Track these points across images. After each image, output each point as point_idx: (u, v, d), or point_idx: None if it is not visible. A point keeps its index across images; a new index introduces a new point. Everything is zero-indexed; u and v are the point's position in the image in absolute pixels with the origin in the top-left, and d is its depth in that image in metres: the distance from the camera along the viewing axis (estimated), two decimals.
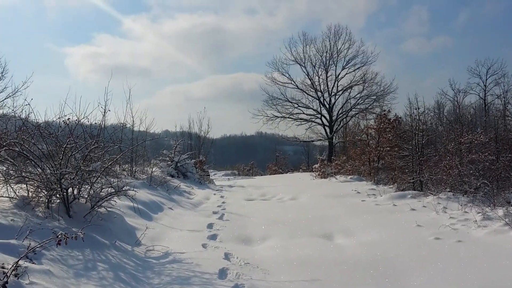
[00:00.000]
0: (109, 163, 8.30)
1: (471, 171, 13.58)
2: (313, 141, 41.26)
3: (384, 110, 25.20)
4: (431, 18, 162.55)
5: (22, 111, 15.36)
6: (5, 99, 19.16)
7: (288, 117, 39.45)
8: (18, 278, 4.57)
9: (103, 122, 9.18)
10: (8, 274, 4.28)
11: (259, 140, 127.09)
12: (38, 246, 4.64)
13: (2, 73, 19.96)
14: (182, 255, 7.17)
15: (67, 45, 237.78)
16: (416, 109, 24.88)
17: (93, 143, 8.00)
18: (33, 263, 5.19)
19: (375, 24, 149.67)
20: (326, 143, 41.48)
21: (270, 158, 60.37)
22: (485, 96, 38.70)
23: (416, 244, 7.64)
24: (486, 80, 37.67)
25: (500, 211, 9.05)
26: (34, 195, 7.61)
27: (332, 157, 31.46)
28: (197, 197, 16.30)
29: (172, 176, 19.85)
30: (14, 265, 4.39)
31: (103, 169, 7.90)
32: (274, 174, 41.37)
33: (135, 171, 16.08)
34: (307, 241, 8.45)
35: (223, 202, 15.03)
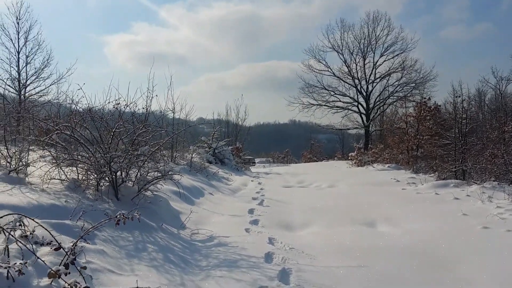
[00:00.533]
0: (156, 147, 8.46)
1: None
2: (349, 129, 40.96)
3: (424, 98, 24.72)
4: (472, 5, 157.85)
5: (66, 97, 15.84)
6: (50, 85, 19.74)
7: (324, 105, 39.25)
8: (76, 257, 4.74)
9: (149, 107, 9.30)
10: (70, 253, 4.44)
11: (292, 128, 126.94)
12: (96, 225, 4.79)
13: (48, 60, 20.58)
14: (227, 239, 7.27)
15: (106, 34, 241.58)
16: (457, 96, 24.53)
17: (140, 127, 8.16)
18: (87, 243, 5.37)
19: (414, 11, 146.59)
20: (361, 131, 41.17)
21: (303, 146, 60.27)
22: None
23: (464, 233, 7.52)
24: None
25: None
26: (84, 177, 7.85)
27: (369, 146, 31.09)
28: (235, 183, 16.46)
29: (210, 162, 20.07)
30: (74, 244, 4.55)
31: (150, 153, 8.06)
32: (309, 162, 41.35)
33: (175, 157, 16.32)
34: (349, 229, 8.43)
35: (262, 189, 15.13)
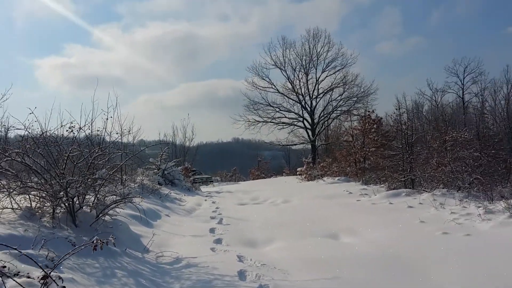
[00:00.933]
0: (114, 170, 8.18)
1: (463, 167, 13.82)
2: (295, 144, 41.33)
3: (369, 111, 25.45)
4: (404, 20, 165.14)
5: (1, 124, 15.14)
6: None
7: (270, 121, 39.49)
8: (47, 287, 4.47)
9: (105, 130, 9.01)
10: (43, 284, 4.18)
11: (236, 146, 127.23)
12: (72, 252, 4.56)
13: None
14: (195, 260, 7.09)
15: (37, 57, 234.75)
16: (397, 109, 25.38)
17: (97, 150, 7.87)
18: (55, 272, 5.08)
19: (349, 27, 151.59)
20: (306, 146, 41.79)
21: (248, 163, 60.41)
22: (463, 94, 39.42)
23: (426, 240, 7.72)
24: (464, 78, 38.38)
25: (501, 205, 9.21)
26: (39, 205, 7.48)
27: (317, 160, 31.56)
28: (188, 204, 16.20)
29: (160, 184, 19.67)
30: (45, 276, 4.29)
31: (108, 176, 7.78)
32: (257, 178, 41.42)
33: (125, 180, 15.89)
34: (313, 242, 8.46)
35: (217, 208, 14.97)
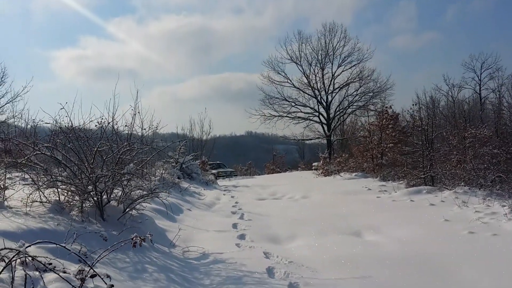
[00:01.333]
0: (141, 165, 8.26)
1: (484, 165, 13.70)
2: (311, 139, 41.34)
3: (386, 106, 25.29)
4: (419, 14, 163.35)
5: (21, 116, 15.29)
6: (5, 104, 18.97)
7: (286, 116, 39.54)
8: (84, 282, 4.55)
9: (132, 125, 9.08)
10: (80, 279, 4.26)
11: (249, 139, 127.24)
12: (111, 249, 4.62)
13: (2, 78, 19.82)
14: (221, 256, 7.15)
15: (53, 49, 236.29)
16: (414, 104, 25.19)
17: (125, 145, 7.95)
18: (89, 267, 5.16)
19: (363, 21, 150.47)
20: (320, 141, 41.76)
21: (262, 157, 60.42)
22: (480, 90, 38.97)
23: (452, 239, 7.68)
24: (481, 74, 37.93)
25: None
26: (68, 199, 7.58)
27: (334, 155, 31.49)
28: (208, 198, 16.28)
29: (178, 178, 19.76)
30: (85, 272, 4.36)
31: (136, 171, 7.86)
32: (272, 173, 41.42)
33: (146, 174, 15.99)
34: (337, 239, 8.47)
35: (236, 202, 15.03)
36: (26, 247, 3.84)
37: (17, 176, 9.06)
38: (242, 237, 8.95)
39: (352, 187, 17.44)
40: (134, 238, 4.47)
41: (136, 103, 14.52)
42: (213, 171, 31.26)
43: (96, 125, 8.04)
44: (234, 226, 10.17)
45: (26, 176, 9.55)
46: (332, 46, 38.38)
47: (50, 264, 4.59)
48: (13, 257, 3.56)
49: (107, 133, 8.40)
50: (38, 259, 4.57)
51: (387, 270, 6.21)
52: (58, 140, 7.36)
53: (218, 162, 35.85)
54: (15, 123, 15.56)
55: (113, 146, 7.93)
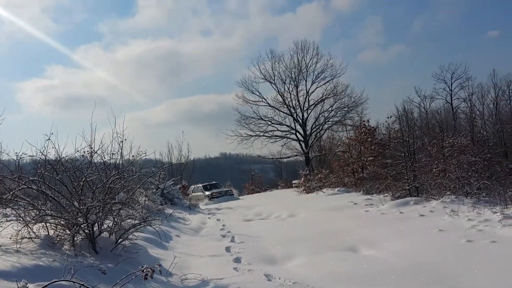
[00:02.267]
0: (132, 193, 8.07)
1: (469, 173, 13.86)
2: (289, 157, 41.32)
3: (363, 120, 25.52)
4: (385, 28, 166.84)
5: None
6: None
7: (263, 135, 39.45)
8: None
9: (121, 153, 8.88)
10: None
11: (224, 161, 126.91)
12: (122, 282, 4.42)
13: None
14: (222, 281, 6.97)
15: (18, 80, 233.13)
16: (389, 117, 25.49)
17: (114, 174, 7.75)
18: None
19: (331, 37, 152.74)
20: (297, 158, 41.82)
21: (238, 178, 60.10)
22: (451, 100, 39.60)
23: (451, 249, 7.66)
24: (452, 84, 38.64)
25: None
26: (58, 233, 7.33)
27: (314, 171, 31.51)
28: (193, 223, 16.03)
29: (161, 204, 19.43)
30: None
31: (126, 199, 7.66)
32: (252, 193, 41.18)
33: (136, 202, 15.67)
34: (334, 256, 8.37)
35: (223, 225, 14.82)
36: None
37: (1, 213, 8.76)
38: (238, 260, 8.77)
39: (337, 203, 17.40)
40: (144, 270, 4.27)
41: (114, 130, 14.32)
42: (207, 193, 30.92)
43: (83, 155, 7.81)
44: (227, 249, 9.98)
45: (8, 211, 9.26)
46: (305, 63, 38.68)
47: None
48: None
49: (94, 162, 8.18)
50: None
51: (392, 284, 6.14)
52: (45, 173, 7.11)
53: (213, 182, 34.87)
54: None
55: (101, 175, 7.71)
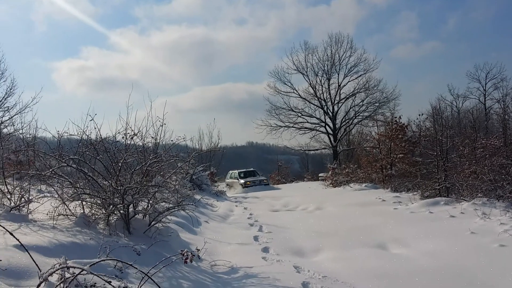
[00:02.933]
0: (168, 176, 8.21)
1: (502, 176, 13.59)
2: (317, 149, 41.27)
3: (395, 117, 25.22)
4: (420, 24, 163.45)
5: (30, 127, 15.20)
6: (15, 115, 18.87)
7: (292, 126, 39.49)
8: None
9: (160, 135, 9.02)
10: None
11: (250, 150, 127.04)
12: (163, 265, 4.50)
13: (11, 89, 19.76)
14: (252, 270, 7.04)
15: (54, 59, 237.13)
16: (420, 114, 25.13)
17: (152, 157, 7.89)
18: (128, 283, 5.07)
19: (365, 31, 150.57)
20: (323, 151, 41.76)
21: (264, 167, 60.08)
22: (485, 100, 38.91)
23: (483, 253, 7.55)
24: (486, 84, 37.90)
25: None
26: (94, 212, 7.50)
27: (342, 166, 31.37)
28: (221, 209, 16.18)
29: (189, 189, 19.66)
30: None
31: (164, 182, 7.79)
32: (278, 183, 41.22)
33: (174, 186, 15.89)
34: (363, 252, 8.34)
35: (251, 214, 14.92)
36: (90, 266, 3.72)
37: (39, 189, 9.01)
38: (266, 250, 8.84)
39: (365, 199, 17.28)
40: (185, 253, 4.36)
41: (149, 113, 14.50)
42: (241, 181, 30.33)
43: (123, 137, 7.96)
44: (255, 238, 10.06)
45: (44, 188, 9.51)
46: (339, 56, 38.50)
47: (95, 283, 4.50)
48: (77, 274, 3.46)
49: (133, 144, 8.33)
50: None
51: (424, 284, 6.10)
52: (87, 152, 7.28)
53: (250, 169, 34.27)
54: (28, 134, 15.43)
55: (140, 158, 7.86)
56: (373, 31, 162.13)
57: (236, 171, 32.67)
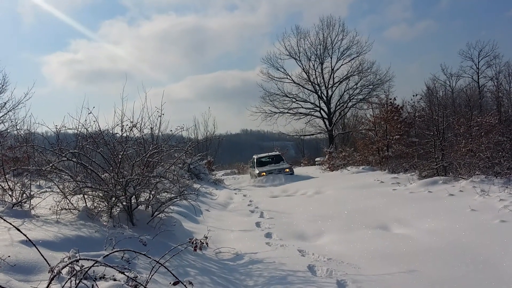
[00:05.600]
0: (169, 166, 8.22)
1: (499, 153, 13.67)
2: (312, 134, 41.29)
3: (390, 98, 25.24)
4: (414, 3, 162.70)
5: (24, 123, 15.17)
6: (8, 112, 18.74)
7: (287, 112, 39.45)
8: None
9: (159, 127, 9.02)
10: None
11: (245, 137, 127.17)
12: (172, 255, 4.54)
13: (2, 85, 19.63)
14: (257, 255, 7.09)
15: (43, 53, 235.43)
16: (414, 95, 25.16)
17: (152, 148, 7.88)
18: (137, 273, 5.08)
19: (359, 13, 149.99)
20: (318, 136, 41.87)
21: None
22: (478, 78, 39.03)
23: (485, 229, 7.62)
24: (479, 62, 37.97)
25: None
26: (97, 205, 7.50)
27: (338, 149, 31.44)
28: (220, 198, 16.22)
29: (187, 179, 19.68)
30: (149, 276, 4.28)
31: (165, 173, 7.80)
32: None
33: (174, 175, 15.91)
34: (366, 234, 8.40)
35: (251, 201, 14.98)
36: (104, 257, 3.73)
37: (38, 185, 8.99)
38: (269, 235, 8.90)
39: (363, 181, 17.37)
40: (194, 242, 4.38)
41: (144, 104, 14.45)
42: (256, 171, 24.76)
43: (122, 129, 7.94)
44: (257, 224, 10.11)
45: (43, 183, 9.49)
46: (331, 40, 38.40)
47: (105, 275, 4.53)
48: (91, 266, 3.48)
49: (132, 136, 8.32)
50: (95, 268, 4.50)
51: (429, 263, 6.15)
52: (87, 146, 7.26)
53: (274, 153, 28.63)
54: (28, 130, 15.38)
55: (140, 149, 7.86)
56: (366, 12, 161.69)
57: (255, 156, 27.47)
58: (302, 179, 22.23)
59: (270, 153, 28.55)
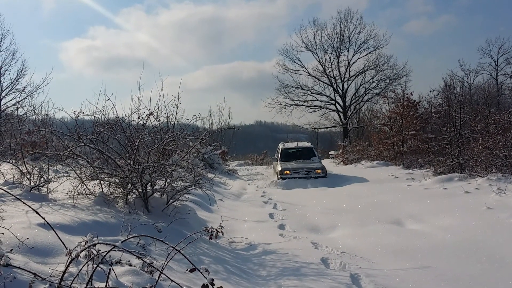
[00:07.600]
0: (184, 155, 8.25)
1: None
2: (327, 127, 41.07)
3: (407, 93, 25.01)
4: None
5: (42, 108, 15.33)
6: (27, 96, 18.98)
7: (302, 105, 39.24)
8: (152, 275, 4.53)
9: (175, 115, 9.05)
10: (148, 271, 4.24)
11: (258, 129, 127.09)
12: (188, 242, 4.58)
13: (22, 70, 19.87)
14: (270, 246, 7.11)
15: (62, 40, 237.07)
16: (431, 91, 24.90)
17: (168, 136, 7.92)
18: (153, 260, 5.14)
19: (379, 5, 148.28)
20: (332, 130, 41.59)
21: (272, 146, 60.11)
22: (497, 75, 38.46)
23: (501, 228, 7.55)
24: (498, 59, 37.42)
25: None
26: (113, 190, 7.57)
27: (352, 143, 31.28)
28: (234, 188, 16.25)
29: (202, 168, 19.74)
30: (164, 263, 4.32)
31: (181, 161, 7.84)
32: None
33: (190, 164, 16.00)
34: (379, 228, 8.38)
35: (264, 192, 15.01)
36: (122, 242, 3.77)
37: (55, 169, 9.08)
38: (282, 227, 8.92)
39: (378, 176, 17.31)
40: (209, 230, 4.41)
41: (161, 92, 14.50)
42: (278, 167, 18.89)
43: (139, 117, 7.99)
44: (271, 216, 10.13)
45: (60, 168, 9.59)
46: (348, 33, 37.98)
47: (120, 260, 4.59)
48: (109, 251, 3.52)
49: (147, 124, 8.36)
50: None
51: (443, 259, 6.12)
52: (104, 132, 7.32)
53: (303, 144, 22.36)
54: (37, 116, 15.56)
55: (156, 137, 7.90)
56: (386, 4, 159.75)
57: (281, 146, 21.92)
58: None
59: (299, 144, 22.52)
